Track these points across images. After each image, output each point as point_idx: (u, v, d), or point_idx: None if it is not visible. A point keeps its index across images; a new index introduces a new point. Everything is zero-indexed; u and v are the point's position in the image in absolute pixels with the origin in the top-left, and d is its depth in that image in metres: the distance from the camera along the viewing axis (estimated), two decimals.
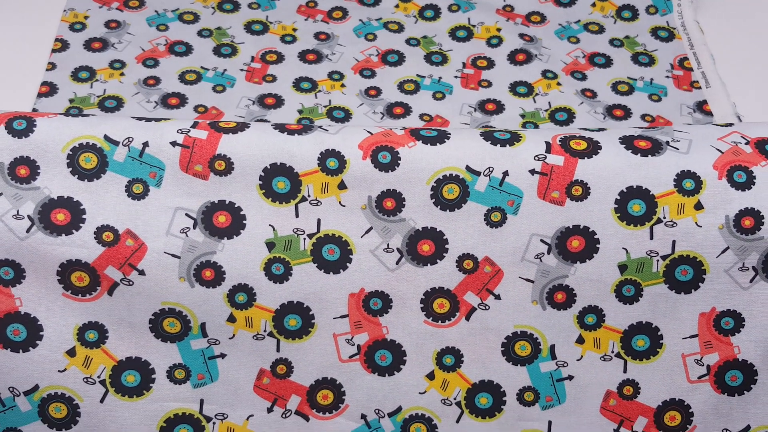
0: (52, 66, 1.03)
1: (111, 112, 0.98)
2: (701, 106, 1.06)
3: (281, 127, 0.76)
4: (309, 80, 1.05)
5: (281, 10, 1.15)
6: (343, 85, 1.06)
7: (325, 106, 1.02)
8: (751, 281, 0.78)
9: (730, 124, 0.83)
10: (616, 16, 1.17)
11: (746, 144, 0.79)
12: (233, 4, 1.14)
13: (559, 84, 1.08)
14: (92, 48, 1.06)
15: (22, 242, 0.74)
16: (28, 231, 0.74)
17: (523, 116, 1.03)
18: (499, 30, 1.14)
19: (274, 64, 1.07)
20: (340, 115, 1.01)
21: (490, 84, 1.07)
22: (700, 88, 1.08)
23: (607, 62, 1.11)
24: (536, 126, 1.02)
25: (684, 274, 0.79)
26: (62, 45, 1.06)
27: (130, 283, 0.76)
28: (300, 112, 1.01)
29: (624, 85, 1.08)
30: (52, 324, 0.75)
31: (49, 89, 1.00)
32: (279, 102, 1.03)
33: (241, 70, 1.06)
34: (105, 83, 1.02)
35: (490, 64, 1.10)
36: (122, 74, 1.03)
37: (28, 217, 0.73)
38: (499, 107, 1.04)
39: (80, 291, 0.75)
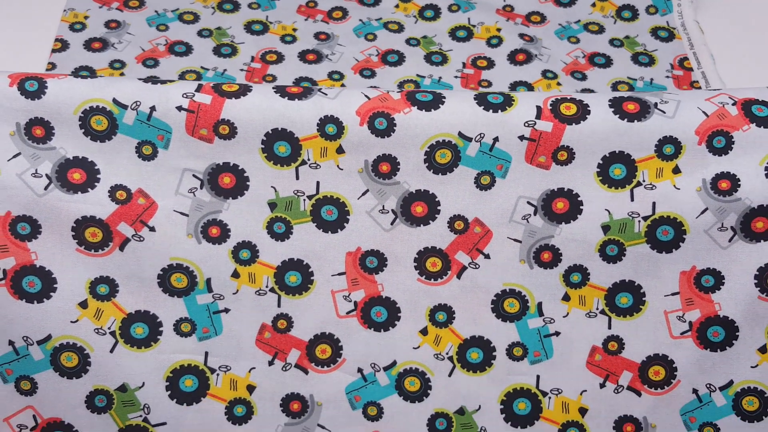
0: (52, 66, 1.04)
1: None
2: None
3: (282, 91, 0.79)
4: (309, 80, 1.06)
5: (281, 10, 1.16)
6: (343, 85, 1.06)
7: None
8: (730, 241, 0.81)
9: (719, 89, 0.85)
10: (616, 16, 1.18)
11: (733, 105, 0.80)
12: (233, 4, 1.15)
13: (559, 84, 1.09)
14: (92, 48, 1.06)
15: (39, 199, 0.76)
16: (46, 189, 0.77)
17: None
18: (499, 30, 1.15)
19: (274, 64, 1.08)
20: None
21: (490, 84, 1.09)
22: (700, 88, 1.08)
23: (607, 62, 1.12)
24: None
25: (665, 234, 0.81)
26: (62, 45, 1.06)
27: (141, 239, 0.79)
28: None
29: (624, 85, 1.09)
30: (65, 277, 0.78)
31: None
32: None
33: (241, 70, 1.07)
34: None
35: (490, 64, 1.11)
36: (122, 74, 1.04)
37: (46, 175, 0.76)
38: None
39: (93, 246, 0.78)
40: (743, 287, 0.81)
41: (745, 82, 1.08)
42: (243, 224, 0.80)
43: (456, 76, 1.08)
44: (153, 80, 0.79)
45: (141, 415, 0.80)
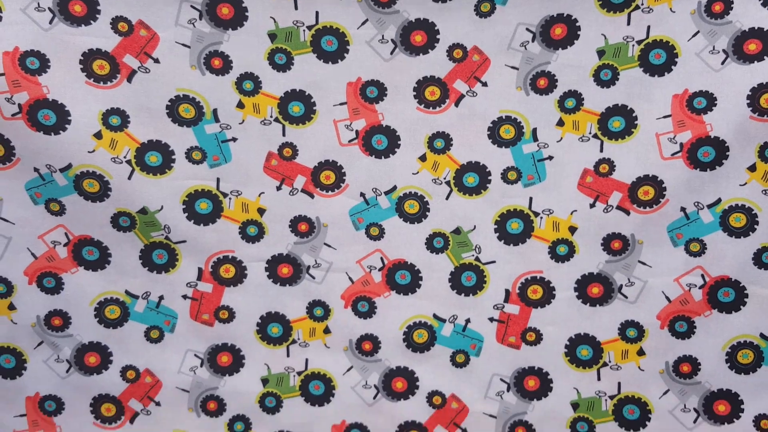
0: None
1: None
2: None
3: None
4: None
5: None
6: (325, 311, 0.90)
7: None
8: (723, 63, 0.78)
9: None
10: None
11: None
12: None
13: (641, 353, 0.88)
14: None
15: (46, 33, 0.76)
16: (50, 22, 0.76)
17: (575, 405, 0.90)
18: (573, 231, 0.86)
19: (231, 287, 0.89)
20: None
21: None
22: None
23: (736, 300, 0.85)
24: None
25: (657, 57, 0.79)
26: None
27: (147, 70, 0.79)
28: None
29: (749, 352, 0.86)
30: (78, 109, 0.78)
31: None
32: None
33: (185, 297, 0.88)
34: None
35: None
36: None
37: (49, 9, 0.75)
38: None
39: (102, 78, 0.78)
40: (735, 108, 0.79)
41: None
42: (244, 55, 0.79)
43: (492, 318, 0.89)
44: None
45: (163, 234, 0.84)
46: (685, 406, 0.88)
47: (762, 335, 0.86)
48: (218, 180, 0.84)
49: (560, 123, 0.83)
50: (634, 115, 0.81)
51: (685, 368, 0.88)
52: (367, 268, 0.87)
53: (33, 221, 0.83)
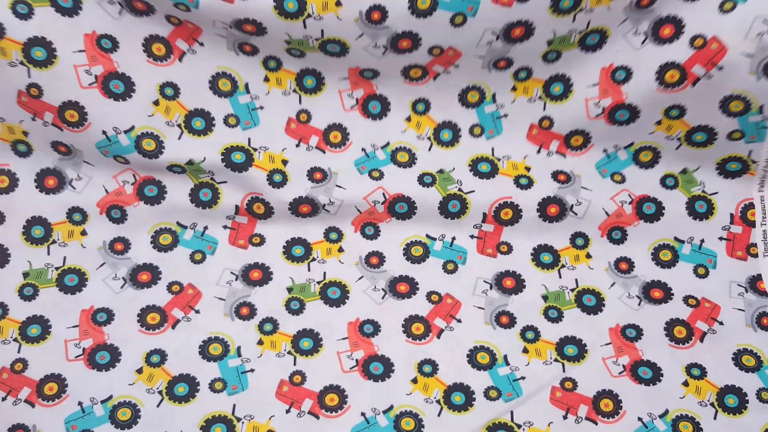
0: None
1: None
2: (755, 284, 0.95)
3: None
4: (302, 242, 1.05)
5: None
6: (341, 249, 1.05)
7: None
8: (642, 43, 0.97)
9: None
10: (684, 140, 1.00)
11: None
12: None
13: (588, 256, 1.03)
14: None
15: (116, 21, 0.92)
16: (119, 13, 0.92)
17: (545, 297, 1.02)
18: (528, 169, 1.03)
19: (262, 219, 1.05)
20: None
21: (510, 248, 1.05)
22: (756, 255, 0.96)
23: (657, 212, 1.01)
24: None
25: (592, 40, 0.98)
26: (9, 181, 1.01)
27: (194, 52, 0.96)
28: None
29: (668, 252, 1.03)
30: (141, 81, 0.95)
31: None
32: None
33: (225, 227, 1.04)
34: None
35: (515, 216, 1.04)
36: (83, 231, 1.02)
37: (119, 2, 0.92)
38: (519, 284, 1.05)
39: (159, 58, 0.95)
40: (646, 81, 0.96)
41: None
42: (268, 48, 0.96)
43: (472, 236, 1.06)
44: None
45: (209, 175, 1.01)
46: (629, 293, 1.04)
47: (676, 238, 1.05)
48: (249, 139, 1.01)
49: (514, 89, 1.03)
50: (570, 82, 1.01)
51: (623, 266, 1.06)
52: (371, 203, 1.04)
53: (107, 165, 0.99)
